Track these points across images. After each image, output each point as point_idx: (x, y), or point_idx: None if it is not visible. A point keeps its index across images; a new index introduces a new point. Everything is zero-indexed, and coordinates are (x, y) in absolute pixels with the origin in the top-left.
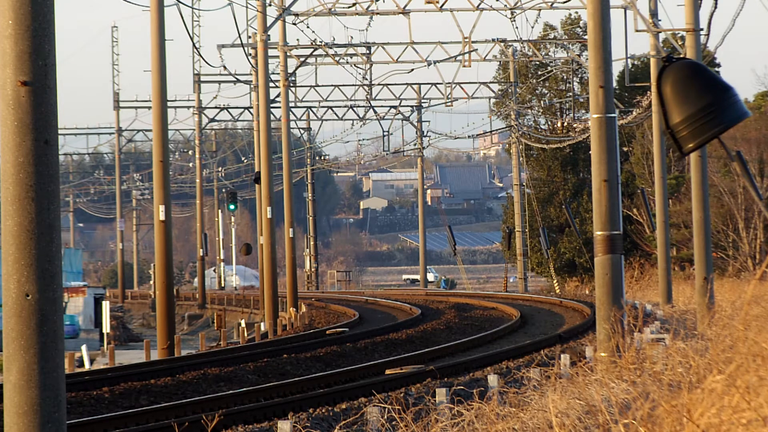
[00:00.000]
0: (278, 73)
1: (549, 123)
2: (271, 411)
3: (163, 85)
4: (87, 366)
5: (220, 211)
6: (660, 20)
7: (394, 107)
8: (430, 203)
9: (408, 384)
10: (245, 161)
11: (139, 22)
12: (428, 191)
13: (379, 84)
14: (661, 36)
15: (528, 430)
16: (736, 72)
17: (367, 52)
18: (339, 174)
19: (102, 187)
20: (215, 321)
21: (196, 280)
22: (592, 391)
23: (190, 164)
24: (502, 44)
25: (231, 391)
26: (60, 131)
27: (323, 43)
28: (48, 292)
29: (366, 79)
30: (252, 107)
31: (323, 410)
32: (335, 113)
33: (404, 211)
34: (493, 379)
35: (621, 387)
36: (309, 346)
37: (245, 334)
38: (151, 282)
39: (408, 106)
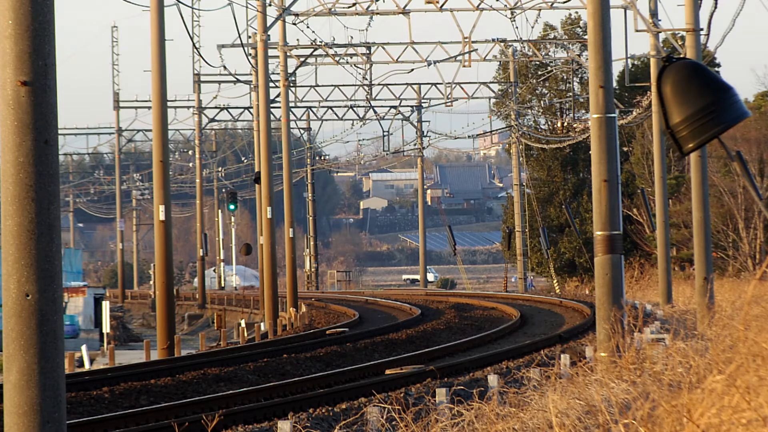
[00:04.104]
0: (278, 73)
1: (549, 123)
2: (271, 411)
3: (163, 85)
4: (87, 366)
5: (220, 211)
6: (660, 20)
7: (394, 107)
8: (430, 203)
9: (408, 384)
10: (245, 161)
11: (139, 22)
12: (428, 191)
13: (379, 84)
14: (661, 36)
15: (528, 430)
16: (736, 72)
17: (367, 52)
18: (339, 174)
19: (102, 187)
20: (215, 321)
21: (196, 280)
22: (592, 391)
23: (190, 164)
24: (502, 44)
25: (231, 391)
26: (60, 131)
27: (323, 43)
28: (48, 292)
29: (366, 79)
30: (252, 107)
31: (323, 410)
32: (335, 113)
33: (404, 211)
34: (493, 379)
35: (621, 387)
36: (309, 346)
37: (245, 334)
38: (151, 282)
39: (408, 106)
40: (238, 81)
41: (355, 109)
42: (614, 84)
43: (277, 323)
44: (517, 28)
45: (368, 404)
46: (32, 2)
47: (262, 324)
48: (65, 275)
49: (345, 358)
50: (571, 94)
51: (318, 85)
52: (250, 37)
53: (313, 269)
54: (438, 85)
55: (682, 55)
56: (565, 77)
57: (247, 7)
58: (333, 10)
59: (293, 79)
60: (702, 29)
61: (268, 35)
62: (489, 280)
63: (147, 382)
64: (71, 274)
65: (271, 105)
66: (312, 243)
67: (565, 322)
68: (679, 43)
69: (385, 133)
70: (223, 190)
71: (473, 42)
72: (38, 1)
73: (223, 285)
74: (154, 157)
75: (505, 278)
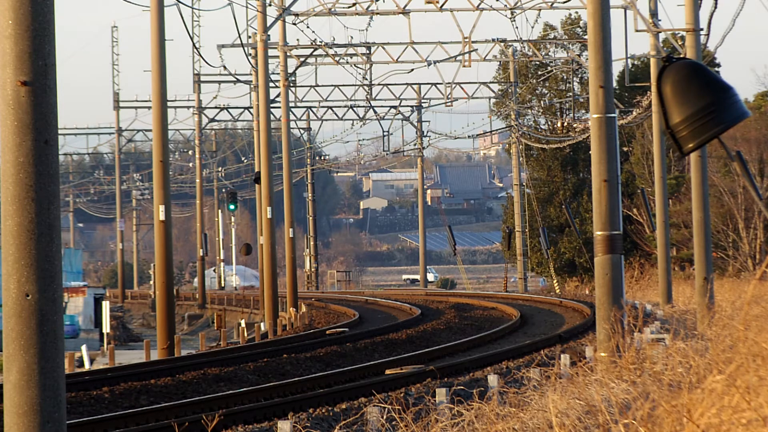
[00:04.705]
0: (278, 73)
1: (549, 123)
2: (271, 411)
3: (163, 85)
4: (87, 366)
5: (220, 211)
6: (660, 20)
7: (394, 107)
8: (430, 203)
9: (408, 384)
10: (245, 161)
11: (139, 22)
12: (428, 191)
13: (379, 84)
14: (661, 36)
15: (528, 430)
16: (736, 72)
17: (367, 52)
18: (339, 174)
19: (102, 187)
20: (215, 321)
21: (196, 280)
22: (592, 391)
23: (190, 164)
24: (502, 44)
25: (231, 391)
26: (60, 131)
27: (323, 43)
28: (48, 292)
29: (366, 79)
30: (252, 107)
31: (323, 410)
32: (335, 113)
33: (404, 211)
34: (493, 379)
35: (621, 387)
36: (309, 346)
37: (245, 334)
38: (151, 282)
39: (408, 106)
40: (238, 81)
41: (355, 109)
42: (614, 84)
43: (277, 323)
44: (517, 28)
45: (368, 404)
46: (32, 2)
47: (262, 324)
48: (65, 275)
49: (345, 358)
50: (571, 94)
51: (318, 85)
52: (250, 37)
53: (313, 269)
54: (438, 85)
55: (682, 55)
56: (565, 77)
57: (247, 7)
58: (333, 10)
59: (293, 79)
60: (702, 29)
61: (268, 35)
62: (489, 280)
63: (147, 382)
64: (71, 274)
65: (271, 105)
66: (312, 243)
67: (565, 322)
68: (679, 43)
69: (385, 133)
70: (223, 190)
71: (473, 42)
72: (38, 1)
73: (223, 285)
74: (154, 157)
75: (505, 278)
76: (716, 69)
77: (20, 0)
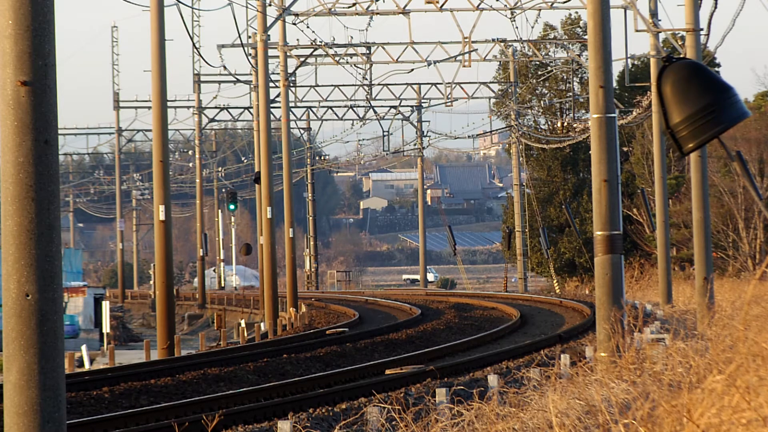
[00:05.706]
0: (278, 73)
1: (549, 123)
2: (271, 411)
3: (163, 85)
4: (87, 366)
5: (220, 211)
6: (660, 20)
7: (394, 107)
8: (430, 203)
9: (408, 384)
10: (245, 161)
11: (139, 22)
12: (428, 191)
13: (379, 84)
14: (661, 36)
15: (528, 430)
16: (736, 72)
17: (367, 52)
18: (339, 174)
19: (102, 187)
20: (215, 321)
21: (196, 280)
22: (592, 391)
23: (190, 164)
24: (502, 44)
25: (231, 391)
26: (60, 131)
27: (323, 43)
28: (48, 292)
29: (366, 79)
30: (252, 107)
31: (323, 410)
32: (335, 113)
33: (404, 211)
34: (493, 379)
35: (621, 387)
36: (309, 346)
37: (245, 334)
38: (151, 282)
39: (408, 106)
40: (238, 81)
41: (355, 109)
42: (614, 84)
43: (277, 323)
44: (517, 28)
45: (368, 404)
46: (32, 2)
47: (262, 324)
48: (65, 275)
49: (345, 358)
50: (571, 94)
51: (318, 85)
52: (250, 37)
53: (313, 269)
54: (438, 85)
55: (682, 55)
56: (565, 77)
57: (247, 7)
58: (333, 10)
59: (293, 79)
60: (702, 29)
61: (268, 35)
62: (489, 280)
63: (147, 382)
64: (71, 274)
65: (271, 105)
66: (312, 243)
67: (565, 322)
68: (679, 43)
69: (385, 133)
70: (223, 190)
71: (473, 42)
72: (38, 1)
73: (223, 285)
74: (154, 157)
75: (505, 278)
76: (716, 69)
77: (20, 0)
